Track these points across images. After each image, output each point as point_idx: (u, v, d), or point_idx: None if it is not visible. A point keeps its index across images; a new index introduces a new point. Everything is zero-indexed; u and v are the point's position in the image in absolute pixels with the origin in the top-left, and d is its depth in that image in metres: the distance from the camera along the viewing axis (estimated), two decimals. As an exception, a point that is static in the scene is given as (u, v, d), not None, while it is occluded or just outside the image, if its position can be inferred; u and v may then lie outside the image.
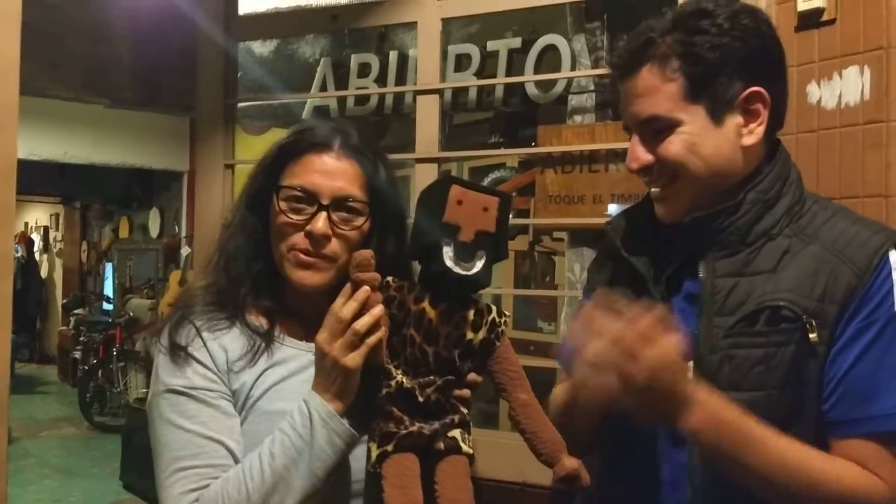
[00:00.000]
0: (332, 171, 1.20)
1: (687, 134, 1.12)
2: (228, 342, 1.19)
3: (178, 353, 1.16)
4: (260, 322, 1.22)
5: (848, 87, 1.73)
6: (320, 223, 1.17)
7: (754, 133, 1.13)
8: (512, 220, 3.15)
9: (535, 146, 2.48)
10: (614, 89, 1.25)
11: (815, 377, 1.07)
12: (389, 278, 1.18)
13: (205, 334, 1.18)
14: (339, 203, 1.19)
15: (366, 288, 1.10)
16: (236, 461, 1.12)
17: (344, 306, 1.10)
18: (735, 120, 1.13)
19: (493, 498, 2.19)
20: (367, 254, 1.12)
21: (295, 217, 1.18)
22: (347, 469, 1.16)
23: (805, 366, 1.07)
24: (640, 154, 1.16)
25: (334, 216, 1.18)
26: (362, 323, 1.10)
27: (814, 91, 1.79)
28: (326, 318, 1.11)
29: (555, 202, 2.34)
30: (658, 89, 1.12)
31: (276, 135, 1.32)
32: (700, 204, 1.15)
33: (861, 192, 1.69)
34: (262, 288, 1.23)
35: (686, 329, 1.07)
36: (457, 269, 1.13)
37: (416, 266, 1.22)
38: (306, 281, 1.19)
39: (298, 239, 1.18)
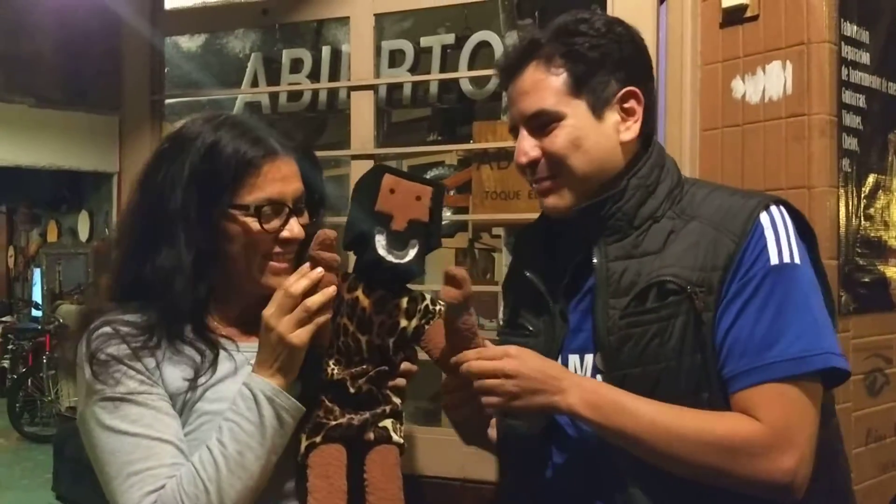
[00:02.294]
0: (287, 176, 1.22)
1: (571, 127, 1.19)
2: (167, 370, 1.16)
3: (108, 362, 1.13)
4: (199, 346, 1.19)
5: (771, 81, 1.77)
6: (297, 228, 1.21)
7: (631, 129, 1.22)
8: (448, 217, 3.18)
9: (472, 143, 2.48)
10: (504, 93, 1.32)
11: (709, 342, 1.12)
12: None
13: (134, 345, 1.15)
14: (298, 203, 1.23)
15: (320, 269, 1.11)
16: (186, 460, 1.11)
17: (296, 282, 1.11)
18: (613, 117, 1.22)
19: (434, 494, 2.18)
20: (331, 233, 1.13)
21: (269, 226, 1.19)
22: (283, 463, 1.15)
23: (697, 333, 1.12)
24: (528, 148, 1.22)
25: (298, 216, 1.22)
26: (314, 300, 1.10)
27: (738, 86, 1.83)
28: (276, 294, 1.12)
29: (491, 198, 2.35)
30: (543, 84, 1.20)
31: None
32: (585, 196, 1.21)
33: (784, 184, 1.74)
34: (199, 307, 1.20)
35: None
36: (389, 258, 1.14)
37: (352, 258, 1.23)
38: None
39: (274, 248, 1.21)
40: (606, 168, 1.21)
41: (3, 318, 10.03)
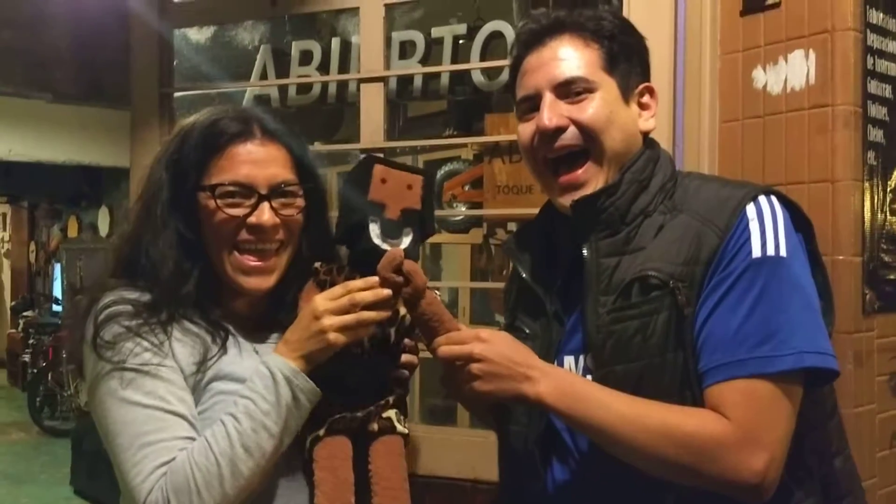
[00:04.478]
0: (261, 160, 1.19)
1: (604, 101, 1.17)
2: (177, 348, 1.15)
3: (120, 334, 1.12)
4: (207, 327, 1.18)
5: (793, 71, 1.71)
6: (266, 214, 1.17)
7: (649, 121, 1.23)
8: (462, 212, 3.14)
9: (484, 137, 2.44)
10: (514, 69, 1.26)
11: (690, 339, 1.09)
12: (318, 263, 1.19)
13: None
14: (276, 190, 1.18)
15: (389, 291, 1.11)
16: (199, 434, 1.10)
17: (364, 291, 1.10)
18: (634, 106, 1.22)
19: (444, 495, 2.16)
20: (399, 253, 1.12)
21: (233, 211, 1.16)
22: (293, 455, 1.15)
23: (680, 329, 1.09)
24: (557, 113, 1.17)
25: (274, 203, 1.18)
26: (370, 315, 1.10)
27: (759, 76, 1.78)
28: (337, 288, 1.11)
29: (503, 192, 2.31)
30: (581, 54, 1.18)
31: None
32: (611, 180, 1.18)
33: (807, 177, 1.68)
34: (203, 293, 1.20)
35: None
36: (384, 246, 1.14)
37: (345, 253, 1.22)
38: (262, 285, 1.19)
39: (242, 235, 1.17)
40: (630, 152, 1.19)
41: (25, 313, 10.17)
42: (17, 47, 4.03)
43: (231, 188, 1.16)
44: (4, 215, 12.29)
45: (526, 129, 1.21)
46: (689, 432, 1.04)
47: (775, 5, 1.74)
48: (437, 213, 3.28)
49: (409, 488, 1.16)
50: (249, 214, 1.17)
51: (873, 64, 1.72)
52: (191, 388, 1.14)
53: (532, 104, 1.20)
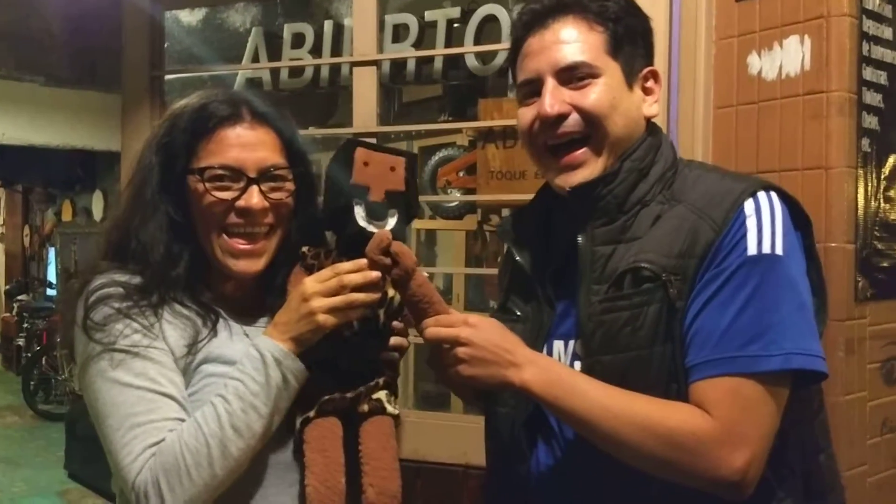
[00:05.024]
0: (250, 143, 1.18)
1: (607, 87, 1.15)
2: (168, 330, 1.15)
3: (110, 315, 1.12)
4: (197, 310, 1.18)
5: (788, 56, 1.70)
6: (255, 198, 1.16)
7: (652, 106, 1.20)
8: (457, 198, 3.12)
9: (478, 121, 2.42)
10: (514, 50, 1.23)
11: (679, 332, 1.08)
12: (305, 248, 1.19)
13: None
14: (265, 173, 1.18)
15: (378, 273, 1.11)
16: (189, 416, 1.10)
17: (352, 273, 1.10)
18: (638, 92, 1.19)
19: (436, 480, 2.16)
20: (387, 235, 1.12)
21: (221, 195, 1.16)
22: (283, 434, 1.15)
23: (670, 323, 1.08)
24: (559, 99, 1.15)
25: (263, 187, 1.17)
26: (359, 297, 1.10)
27: (754, 62, 1.76)
28: (325, 271, 1.11)
29: (496, 178, 2.30)
30: (584, 38, 1.15)
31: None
32: (610, 167, 1.16)
33: (801, 164, 1.67)
34: (193, 276, 1.19)
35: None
36: (370, 228, 1.14)
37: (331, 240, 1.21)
38: (251, 268, 1.18)
39: (231, 218, 1.17)
40: (632, 138, 1.17)
41: (19, 297, 10.14)
42: (9, 30, 3.99)
43: (220, 171, 1.16)
44: (-2, 199, 12.25)
45: (526, 114, 1.19)
46: (672, 427, 1.03)
47: (771, -10, 1.72)
48: (431, 198, 3.29)
49: (400, 469, 1.15)
50: (238, 198, 1.16)
51: (868, 50, 1.71)
52: (181, 371, 1.14)
53: (533, 88, 1.18)
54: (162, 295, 1.16)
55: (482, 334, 1.10)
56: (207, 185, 1.16)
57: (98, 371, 1.11)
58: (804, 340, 1.04)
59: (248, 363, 1.10)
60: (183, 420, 1.09)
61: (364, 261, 1.11)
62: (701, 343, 1.06)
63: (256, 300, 1.25)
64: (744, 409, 1.03)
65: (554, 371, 1.10)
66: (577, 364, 1.15)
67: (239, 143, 1.17)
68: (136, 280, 1.16)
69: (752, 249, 1.06)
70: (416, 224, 3.51)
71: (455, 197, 2.99)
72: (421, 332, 1.14)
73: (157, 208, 1.18)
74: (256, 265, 1.19)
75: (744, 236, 1.06)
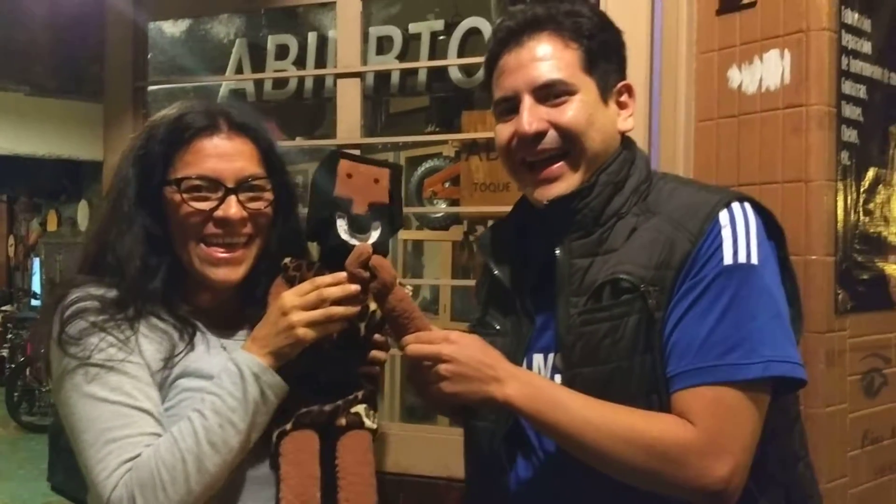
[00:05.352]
0: (228, 153, 1.18)
1: (583, 103, 1.16)
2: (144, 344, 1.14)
3: (86, 329, 1.11)
4: (174, 323, 1.18)
5: (768, 70, 1.71)
6: (233, 208, 1.16)
7: (627, 121, 1.22)
8: (437, 209, 3.11)
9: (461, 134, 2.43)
10: (489, 66, 1.24)
11: (659, 343, 1.09)
12: (287, 259, 1.18)
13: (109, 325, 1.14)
14: (243, 183, 1.18)
15: (357, 287, 1.11)
16: (165, 431, 1.10)
17: (331, 287, 1.10)
18: (612, 106, 1.21)
19: (417, 493, 2.15)
20: (368, 249, 1.12)
21: (199, 205, 1.15)
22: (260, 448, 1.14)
23: (649, 333, 1.08)
24: (537, 117, 1.16)
25: (241, 197, 1.17)
26: (338, 311, 1.09)
27: (735, 75, 1.77)
28: (304, 284, 1.11)
29: (480, 190, 2.30)
30: (560, 55, 1.16)
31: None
32: (586, 181, 1.16)
33: (781, 177, 1.68)
34: (170, 289, 1.19)
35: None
36: (352, 241, 1.14)
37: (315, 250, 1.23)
38: (230, 277, 1.18)
39: (209, 229, 1.17)
40: (608, 153, 1.18)
41: (3, 308, 10.04)
42: (-7, 40, 3.97)
43: (197, 182, 1.16)
44: (-17, 209, 12.17)
45: (504, 131, 1.19)
46: (655, 437, 1.03)
47: (751, 5, 1.73)
48: (417, 210, 3.29)
49: (378, 484, 1.15)
50: (216, 208, 1.16)
51: (847, 64, 1.72)
52: (157, 385, 1.13)
53: (510, 105, 1.18)
54: (138, 308, 1.15)
55: (464, 351, 1.09)
56: (185, 195, 1.15)
57: (73, 385, 1.10)
58: (783, 348, 1.05)
59: (226, 378, 1.09)
60: (159, 435, 1.08)
61: (344, 274, 1.11)
62: (681, 353, 1.06)
63: (235, 312, 1.24)
64: (726, 418, 1.03)
65: (535, 385, 1.10)
66: (558, 377, 1.15)
67: (216, 154, 1.17)
68: (113, 293, 1.16)
69: (727, 259, 1.07)
70: (403, 234, 3.51)
71: (439, 209, 3.00)
72: (401, 348, 1.14)
73: (133, 221, 1.18)
74: (236, 273, 1.18)
75: (719, 246, 1.07)
